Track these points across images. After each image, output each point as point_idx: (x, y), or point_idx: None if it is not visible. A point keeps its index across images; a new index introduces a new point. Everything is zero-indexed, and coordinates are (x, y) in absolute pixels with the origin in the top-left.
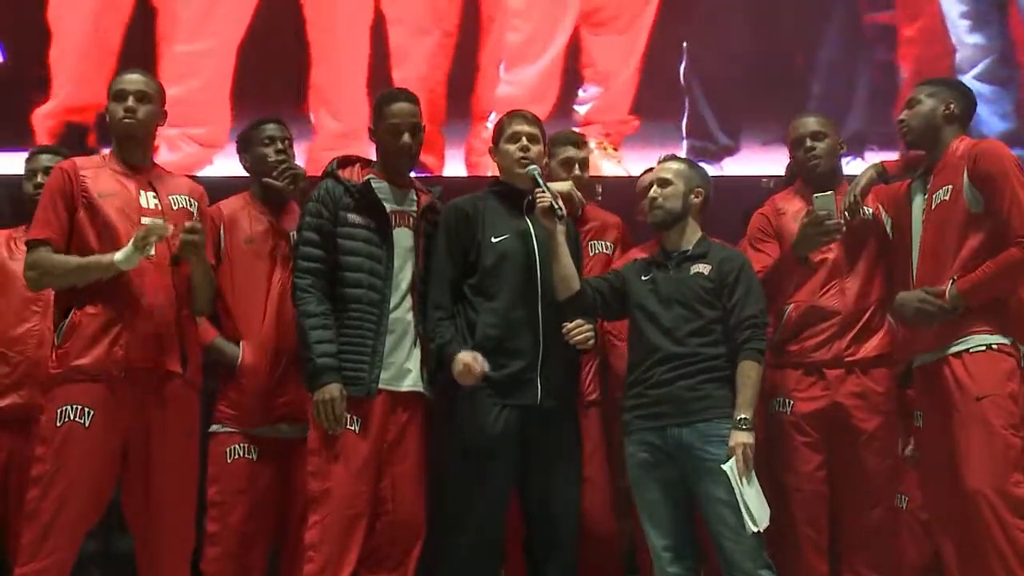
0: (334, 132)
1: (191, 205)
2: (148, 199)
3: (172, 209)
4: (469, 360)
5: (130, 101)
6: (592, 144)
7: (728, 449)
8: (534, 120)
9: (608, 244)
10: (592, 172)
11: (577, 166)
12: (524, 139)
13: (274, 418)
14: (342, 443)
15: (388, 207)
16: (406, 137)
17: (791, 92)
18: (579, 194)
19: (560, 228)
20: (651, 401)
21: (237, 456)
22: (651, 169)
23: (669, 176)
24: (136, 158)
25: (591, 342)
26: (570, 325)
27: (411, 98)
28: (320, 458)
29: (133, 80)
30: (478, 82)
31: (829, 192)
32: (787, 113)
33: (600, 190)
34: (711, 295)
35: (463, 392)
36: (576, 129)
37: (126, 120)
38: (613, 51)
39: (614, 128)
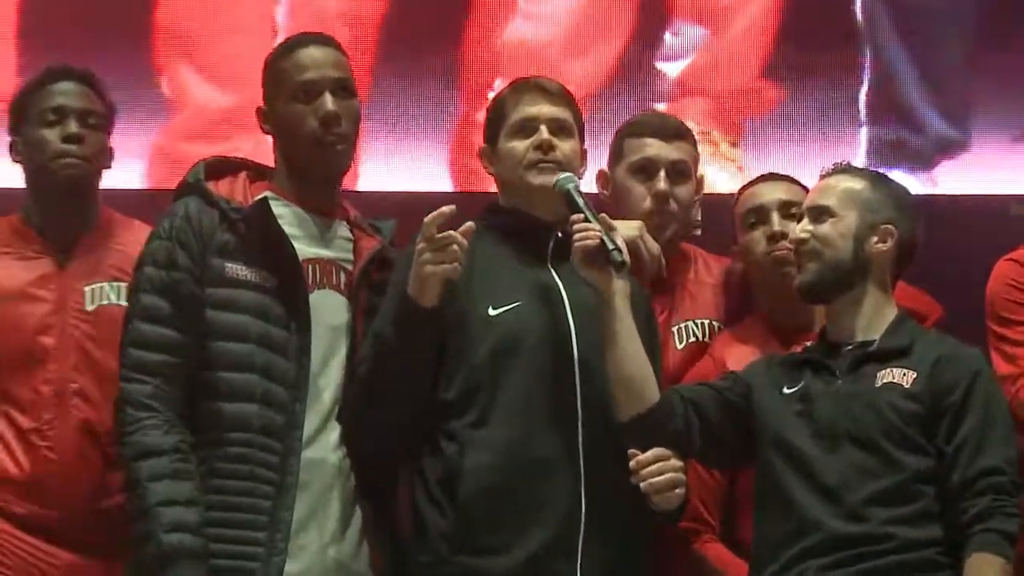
0: (211, 111)
1: None
2: None
3: None
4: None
5: (330, 104)
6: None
7: None
8: (561, 93)
9: (716, 326)
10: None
11: (664, 178)
12: (544, 128)
13: None
14: None
15: (301, 250)
16: (328, 105)
17: None
18: (653, 245)
19: (620, 286)
20: None
21: None
22: (791, 183)
23: (831, 202)
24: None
25: (680, 495)
26: (644, 458)
27: (330, 42)
28: None
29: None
30: (471, 17)
31: None
32: None
33: (699, 219)
34: (916, 427)
35: None
36: (660, 108)
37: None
38: None
39: (732, 106)
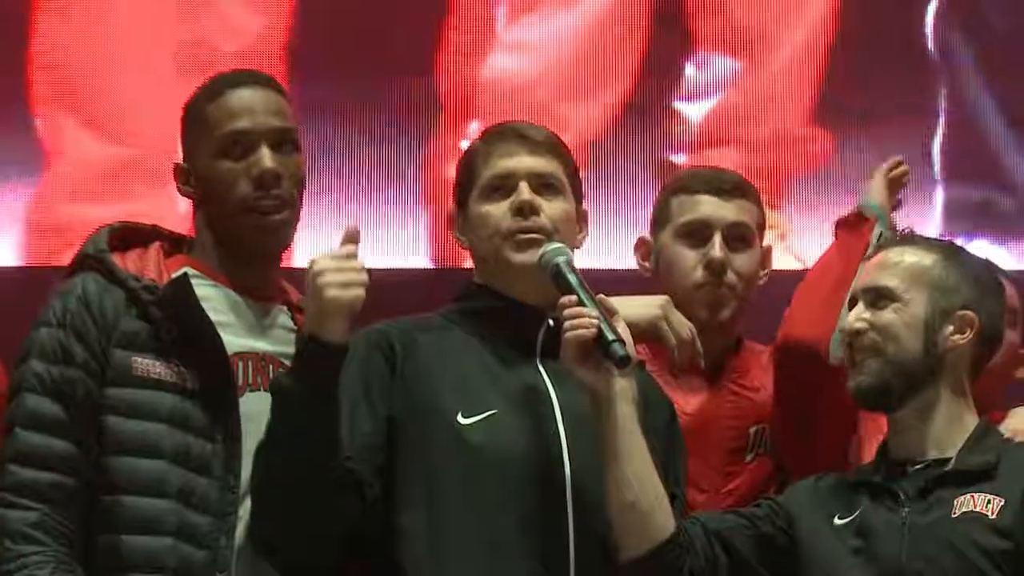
0: (101, 164)
1: None
2: None
3: None
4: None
5: (268, 161)
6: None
7: None
8: (547, 140)
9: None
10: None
11: (720, 243)
12: (523, 186)
13: None
14: None
15: (229, 342)
16: (266, 162)
17: None
18: (682, 324)
19: (623, 389)
20: None
21: None
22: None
23: (894, 283)
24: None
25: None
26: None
27: (266, 82)
28: None
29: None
30: (442, 48)
31: None
32: None
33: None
34: (1005, 570)
35: None
36: (678, 161)
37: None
38: None
39: (771, 160)
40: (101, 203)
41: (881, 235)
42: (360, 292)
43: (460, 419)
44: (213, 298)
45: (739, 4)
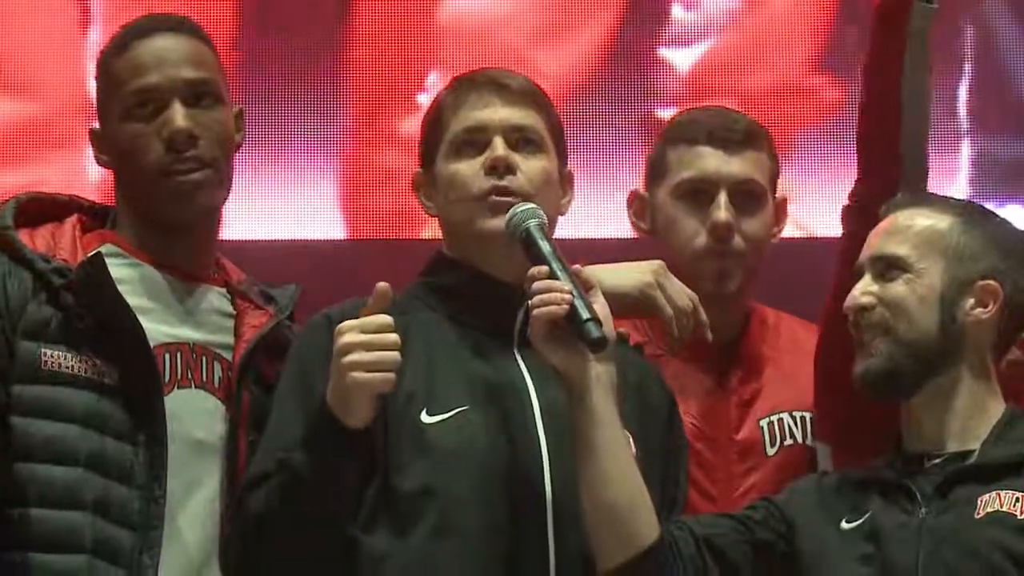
0: (11, 124)
1: None
2: None
3: None
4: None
5: (180, 119)
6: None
7: None
8: (526, 89)
9: (794, 420)
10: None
11: (726, 203)
12: (498, 141)
13: None
14: None
15: (152, 330)
16: (178, 120)
17: None
18: (681, 294)
19: (599, 374)
20: None
21: None
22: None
23: (905, 250)
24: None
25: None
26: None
27: (180, 27)
28: None
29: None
30: None
31: None
32: None
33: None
34: None
35: None
36: (666, 115)
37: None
38: None
39: (772, 113)
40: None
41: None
42: (390, 377)
43: (424, 417)
44: (134, 280)
45: None
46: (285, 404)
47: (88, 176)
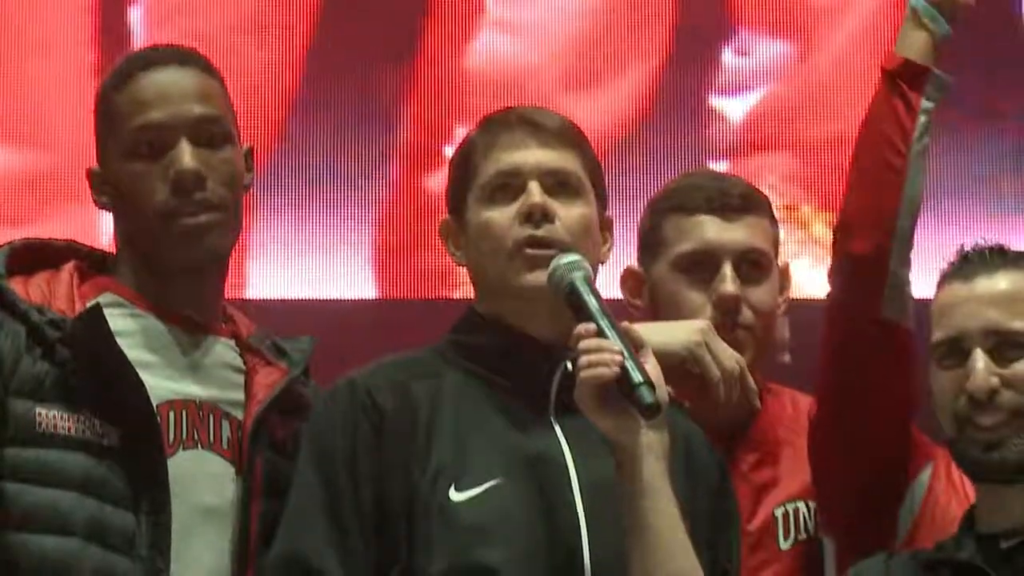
0: (7, 173)
1: None
2: None
3: None
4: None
5: (187, 159)
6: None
7: None
8: (563, 129)
9: (810, 510)
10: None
11: (731, 275)
12: (534, 186)
13: None
14: None
15: (155, 386)
16: (184, 160)
17: None
18: (729, 357)
19: (651, 442)
20: None
21: None
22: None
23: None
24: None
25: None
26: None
27: (188, 59)
28: None
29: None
30: (442, 36)
31: None
32: None
33: (786, 335)
34: None
35: None
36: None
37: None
38: None
39: (830, 165)
40: (5, 224)
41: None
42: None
43: (452, 494)
44: (135, 331)
45: None
46: (308, 484)
47: (101, 229)
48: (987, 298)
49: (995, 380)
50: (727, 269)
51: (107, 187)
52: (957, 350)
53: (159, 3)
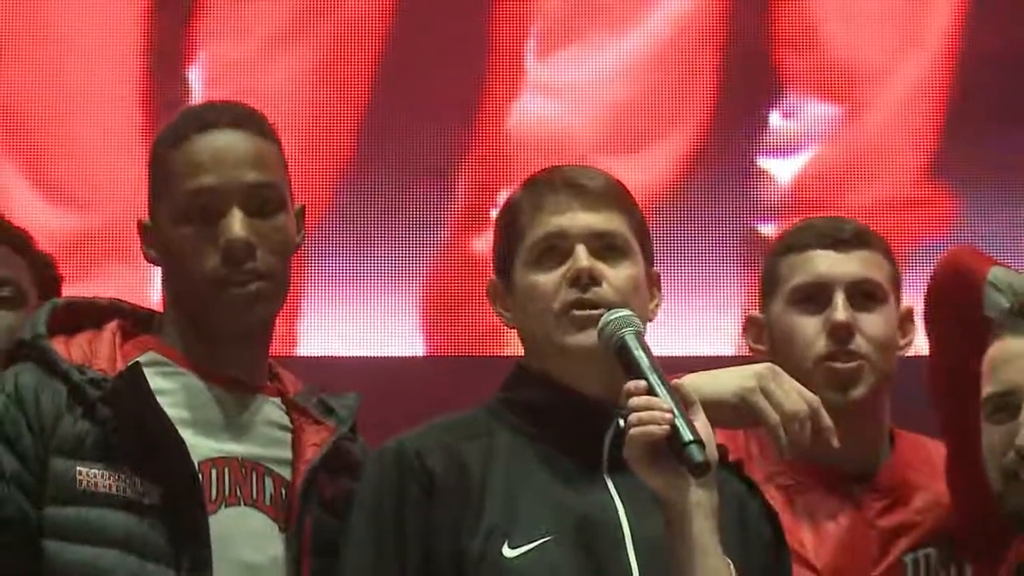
0: (57, 234)
1: None
2: None
3: None
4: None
5: (238, 228)
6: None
7: None
8: (607, 190)
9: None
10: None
11: (844, 304)
12: (580, 250)
13: None
14: None
15: (196, 444)
16: (236, 230)
17: None
18: (792, 400)
19: (700, 499)
20: None
21: None
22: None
23: None
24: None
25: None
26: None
27: (246, 121)
28: None
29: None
30: (485, 97)
31: None
32: None
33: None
34: None
35: None
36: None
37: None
38: None
39: (882, 227)
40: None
41: None
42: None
43: (506, 550)
44: (176, 391)
45: (836, 34)
46: (358, 546)
47: (151, 288)
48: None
49: None
50: (839, 298)
51: (157, 243)
52: (1008, 404)
53: (214, 61)
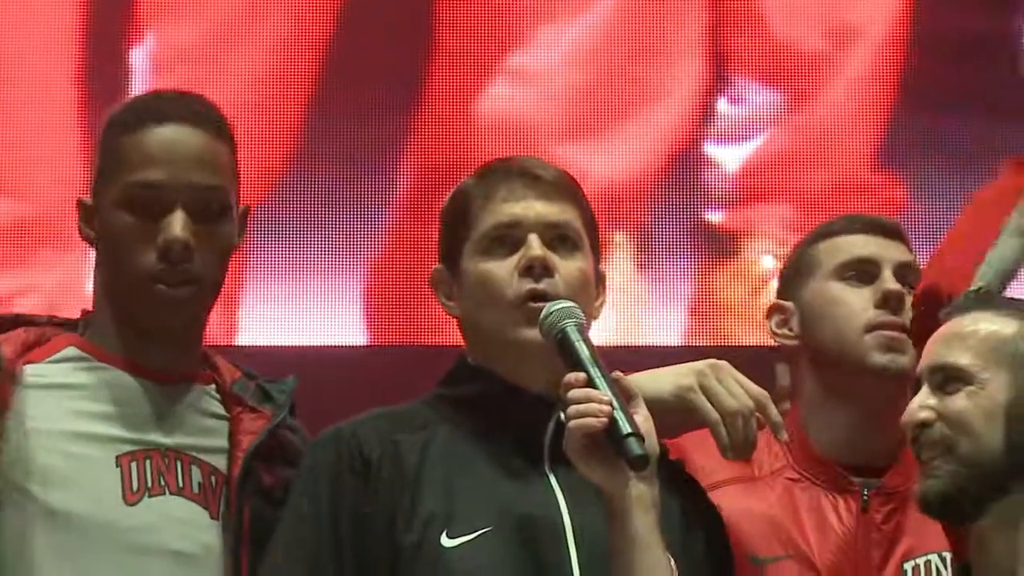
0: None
1: None
2: None
3: None
4: None
5: (178, 229)
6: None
7: None
8: (561, 181)
9: (943, 562)
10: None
11: (893, 279)
12: (534, 239)
13: None
14: None
15: (117, 438)
16: (176, 230)
17: None
18: (736, 393)
19: (641, 494)
20: None
21: None
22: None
23: (966, 361)
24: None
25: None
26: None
27: (202, 118)
28: None
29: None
30: (430, 84)
31: None
32: None
33: (788, 385)
34: None
35: None
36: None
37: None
38: None
39: (828, 214)
40: None
41: None
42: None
43: (444, 540)
44: (98, 385)
45: (781, 19)
46: (289, 533)
47: (85, 277)
48: (940, 336)
49: (925, 414)
50: (888, 273)
51: (96, 225)
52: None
53: (162, 46)
